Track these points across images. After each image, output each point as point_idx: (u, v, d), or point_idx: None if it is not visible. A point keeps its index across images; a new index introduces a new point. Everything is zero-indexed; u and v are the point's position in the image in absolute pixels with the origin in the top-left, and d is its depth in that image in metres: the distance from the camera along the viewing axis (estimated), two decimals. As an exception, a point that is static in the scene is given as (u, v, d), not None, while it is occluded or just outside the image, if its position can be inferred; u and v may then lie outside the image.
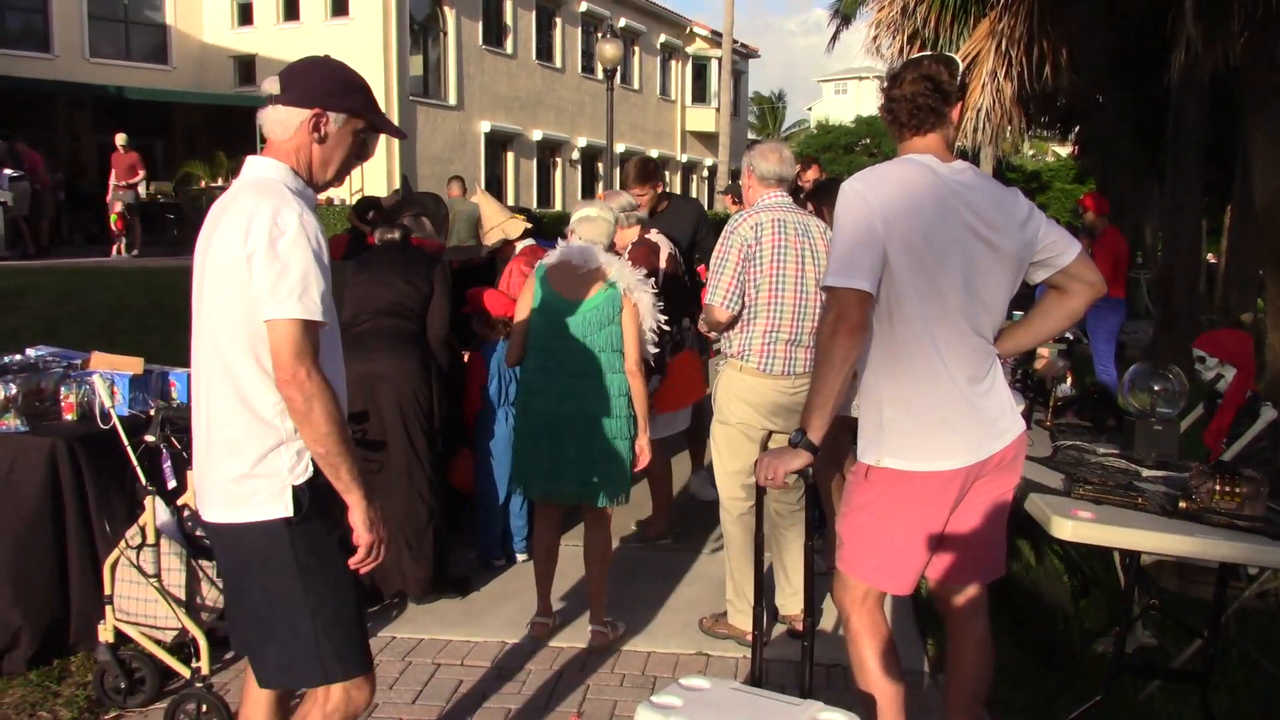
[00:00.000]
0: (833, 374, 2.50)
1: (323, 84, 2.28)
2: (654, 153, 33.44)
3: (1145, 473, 3.36)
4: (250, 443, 2.19)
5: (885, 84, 2.74)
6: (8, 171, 13.69)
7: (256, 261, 2.09)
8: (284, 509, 2.19)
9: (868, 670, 2.70)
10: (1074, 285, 2.71)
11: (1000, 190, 2.68)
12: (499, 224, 5.38)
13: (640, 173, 5.66)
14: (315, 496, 2.22)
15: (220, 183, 17.36)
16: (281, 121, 2.27)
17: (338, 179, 2.38)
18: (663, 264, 4.96)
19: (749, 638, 3.42)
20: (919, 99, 2.62)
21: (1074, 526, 2.81)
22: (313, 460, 2.21)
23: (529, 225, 5.48)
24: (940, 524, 2.61)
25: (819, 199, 4.45)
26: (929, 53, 3.06)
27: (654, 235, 5.11)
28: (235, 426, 2.20)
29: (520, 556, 4.87)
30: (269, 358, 2.14)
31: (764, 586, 3.29)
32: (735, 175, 19.89)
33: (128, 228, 15.48)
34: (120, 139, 15.42)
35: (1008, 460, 2.65)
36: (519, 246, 5.33)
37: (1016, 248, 2.61)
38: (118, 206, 15.63)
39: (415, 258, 4.49)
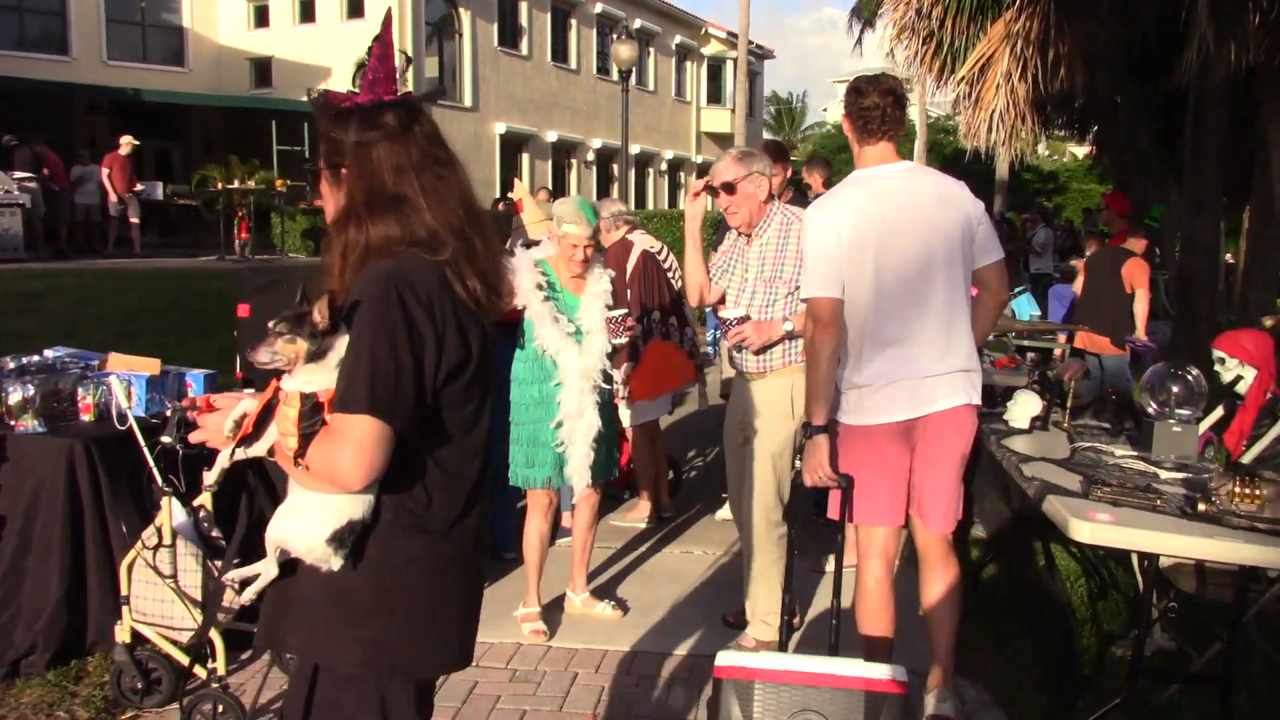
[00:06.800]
0: (819, 367, 3.07)
1: None
2: (669, 154, 33.44)
3: (1164, 474, 3.33)
4: None
5: (849, 96, 3.17)
6: (18, 174, 13.69)
7: None
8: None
9: (868, 597, 3.19)
10: (982, 289, 3.22)
11: (945, 184, 3.18)
12: (541, 219, 5.66)
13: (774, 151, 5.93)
14: None
15: (236, 185, 17.26)
16: None
17: None
18: (631, 263, 5.36)
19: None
20: (887, 110, 3.12)
21: (1092, 528, 2.81)
22: None
23: None
24: (904, 465, 3.15)
25: None
26: (880, 73, 3.46)
27: (635, 236, 5.52)
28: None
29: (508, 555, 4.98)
30: None
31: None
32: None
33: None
34: (126, 139, 15.39)
35: (956, 421, 3.10)
36: None
37: (959, 233, 3.08)
38: (241, 210, 15.94)
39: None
